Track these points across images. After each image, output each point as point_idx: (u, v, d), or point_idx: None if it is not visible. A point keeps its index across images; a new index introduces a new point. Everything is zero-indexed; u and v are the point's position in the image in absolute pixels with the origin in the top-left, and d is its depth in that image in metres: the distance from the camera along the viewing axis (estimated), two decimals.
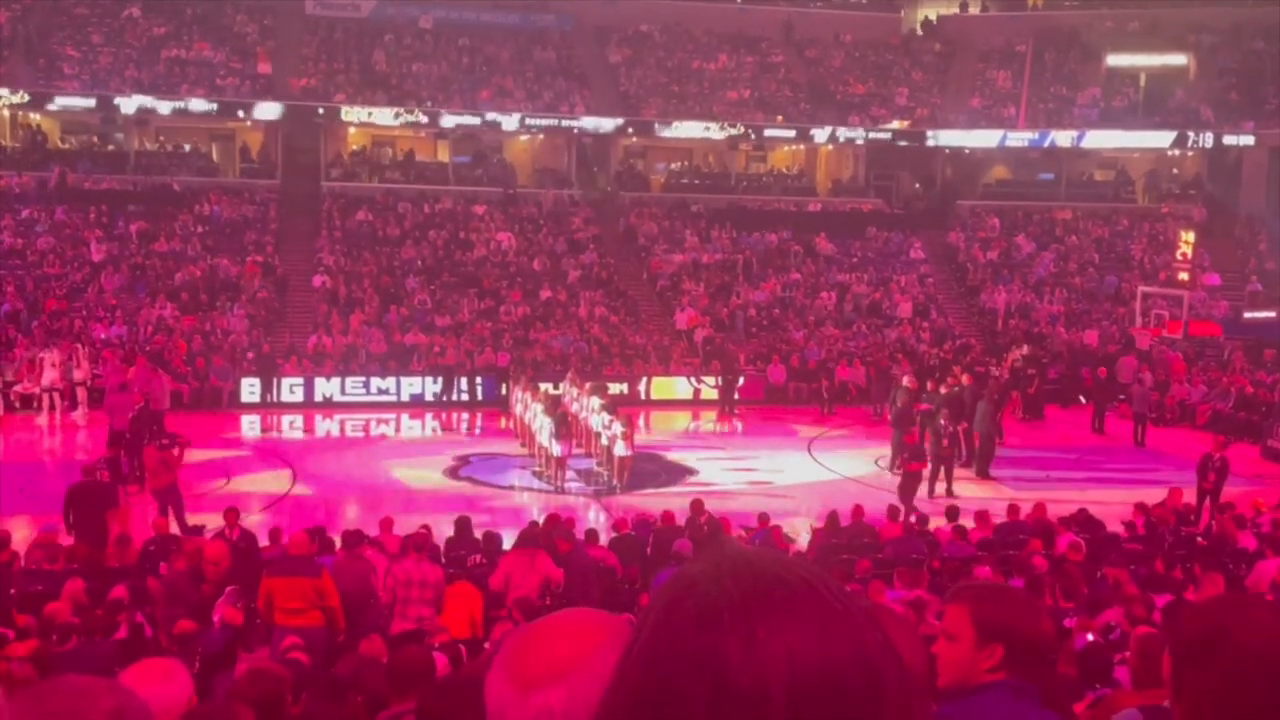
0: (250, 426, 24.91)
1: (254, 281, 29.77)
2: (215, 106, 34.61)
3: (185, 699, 2.85)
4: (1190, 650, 1.36)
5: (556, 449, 19.40)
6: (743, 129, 37.41)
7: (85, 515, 13.78)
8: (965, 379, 22.92)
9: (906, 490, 17.84)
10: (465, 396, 26.87)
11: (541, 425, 20.10)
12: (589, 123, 36.86)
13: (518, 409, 22.69)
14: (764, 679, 0.98)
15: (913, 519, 15.53)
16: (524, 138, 37.71)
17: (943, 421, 19.70)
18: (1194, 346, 30.35)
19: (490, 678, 1.39)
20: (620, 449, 19.44)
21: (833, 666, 0.99)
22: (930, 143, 38.43)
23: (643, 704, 1.02)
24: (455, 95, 36.72)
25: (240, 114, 35.16)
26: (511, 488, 19.95)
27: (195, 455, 18.46)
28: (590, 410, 20.77)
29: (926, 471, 18.79)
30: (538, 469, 20.31)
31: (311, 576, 10.12)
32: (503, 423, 24.15)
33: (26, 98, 33.62)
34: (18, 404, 24.25)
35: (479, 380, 27.06)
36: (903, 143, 38.39)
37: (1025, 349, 28.87)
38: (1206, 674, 1.32)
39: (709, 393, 27.74)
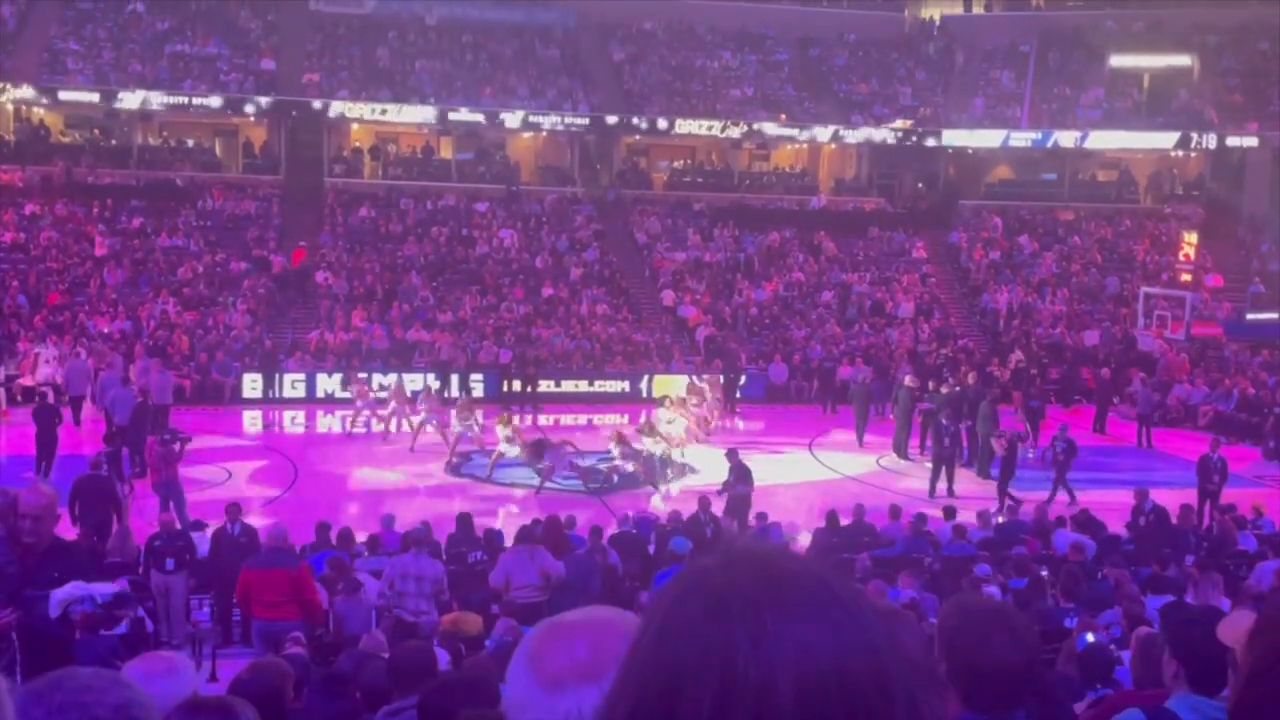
0: (252, 422, 24.91)
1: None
2: (219, 102, 34.60)
3: (190, 694, 2.85)
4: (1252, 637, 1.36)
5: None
6: (746, 127, 37.37)
7: (89, 508, 13.80)
8: (969, 379, 22.93)
9: (732, 512, 16.29)
10: (469, 393, 26.75)
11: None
12: (592, 120, 36.82)
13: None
14: (772, 671, 0.98)
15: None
16: (527, 135, 37.68)
17: (944, 421, 19.69)
18: (1195, 347, 30.35)
19: (513, 674, 1.38)
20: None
21: (842, 660, 0.99)
22: (933, 142, 38.34)
23: (650, 693, 1.02)
24: (459, 92, 36.69)
25: (244, 109, 35.15)
26: (514, 485, 19.90)
27: (197, 450, 18.45)
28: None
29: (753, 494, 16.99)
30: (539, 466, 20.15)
31: (288, 569, 10.12)
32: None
33: (30, 91, 33.62)
34: (20, 398, 24.27)
35: (480, 377, 26.97)
36: (906, 141, 38.33)
37: (1018, 355, 28.87)
38: (1252, 656, 1.32)
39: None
